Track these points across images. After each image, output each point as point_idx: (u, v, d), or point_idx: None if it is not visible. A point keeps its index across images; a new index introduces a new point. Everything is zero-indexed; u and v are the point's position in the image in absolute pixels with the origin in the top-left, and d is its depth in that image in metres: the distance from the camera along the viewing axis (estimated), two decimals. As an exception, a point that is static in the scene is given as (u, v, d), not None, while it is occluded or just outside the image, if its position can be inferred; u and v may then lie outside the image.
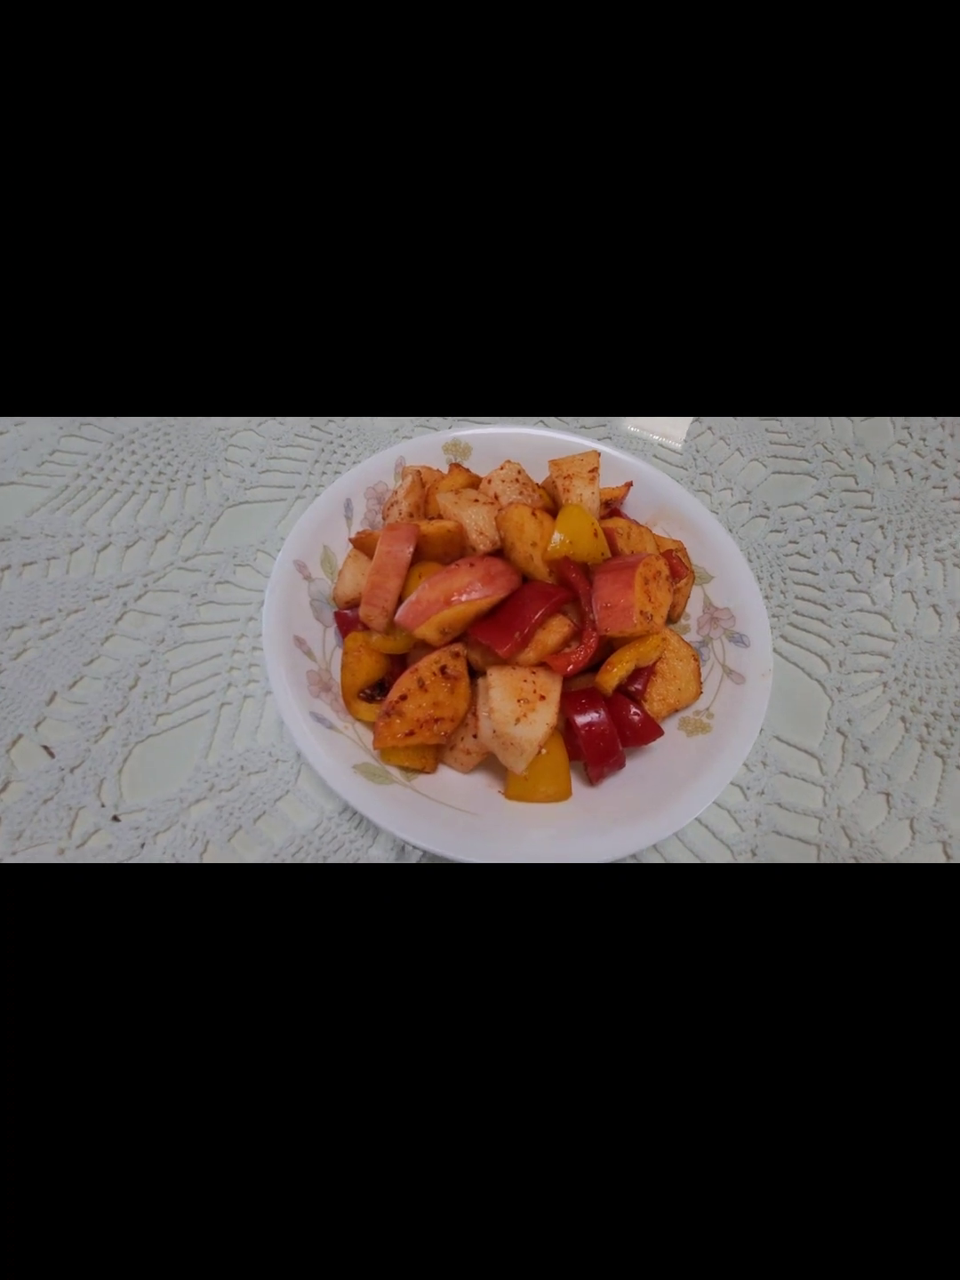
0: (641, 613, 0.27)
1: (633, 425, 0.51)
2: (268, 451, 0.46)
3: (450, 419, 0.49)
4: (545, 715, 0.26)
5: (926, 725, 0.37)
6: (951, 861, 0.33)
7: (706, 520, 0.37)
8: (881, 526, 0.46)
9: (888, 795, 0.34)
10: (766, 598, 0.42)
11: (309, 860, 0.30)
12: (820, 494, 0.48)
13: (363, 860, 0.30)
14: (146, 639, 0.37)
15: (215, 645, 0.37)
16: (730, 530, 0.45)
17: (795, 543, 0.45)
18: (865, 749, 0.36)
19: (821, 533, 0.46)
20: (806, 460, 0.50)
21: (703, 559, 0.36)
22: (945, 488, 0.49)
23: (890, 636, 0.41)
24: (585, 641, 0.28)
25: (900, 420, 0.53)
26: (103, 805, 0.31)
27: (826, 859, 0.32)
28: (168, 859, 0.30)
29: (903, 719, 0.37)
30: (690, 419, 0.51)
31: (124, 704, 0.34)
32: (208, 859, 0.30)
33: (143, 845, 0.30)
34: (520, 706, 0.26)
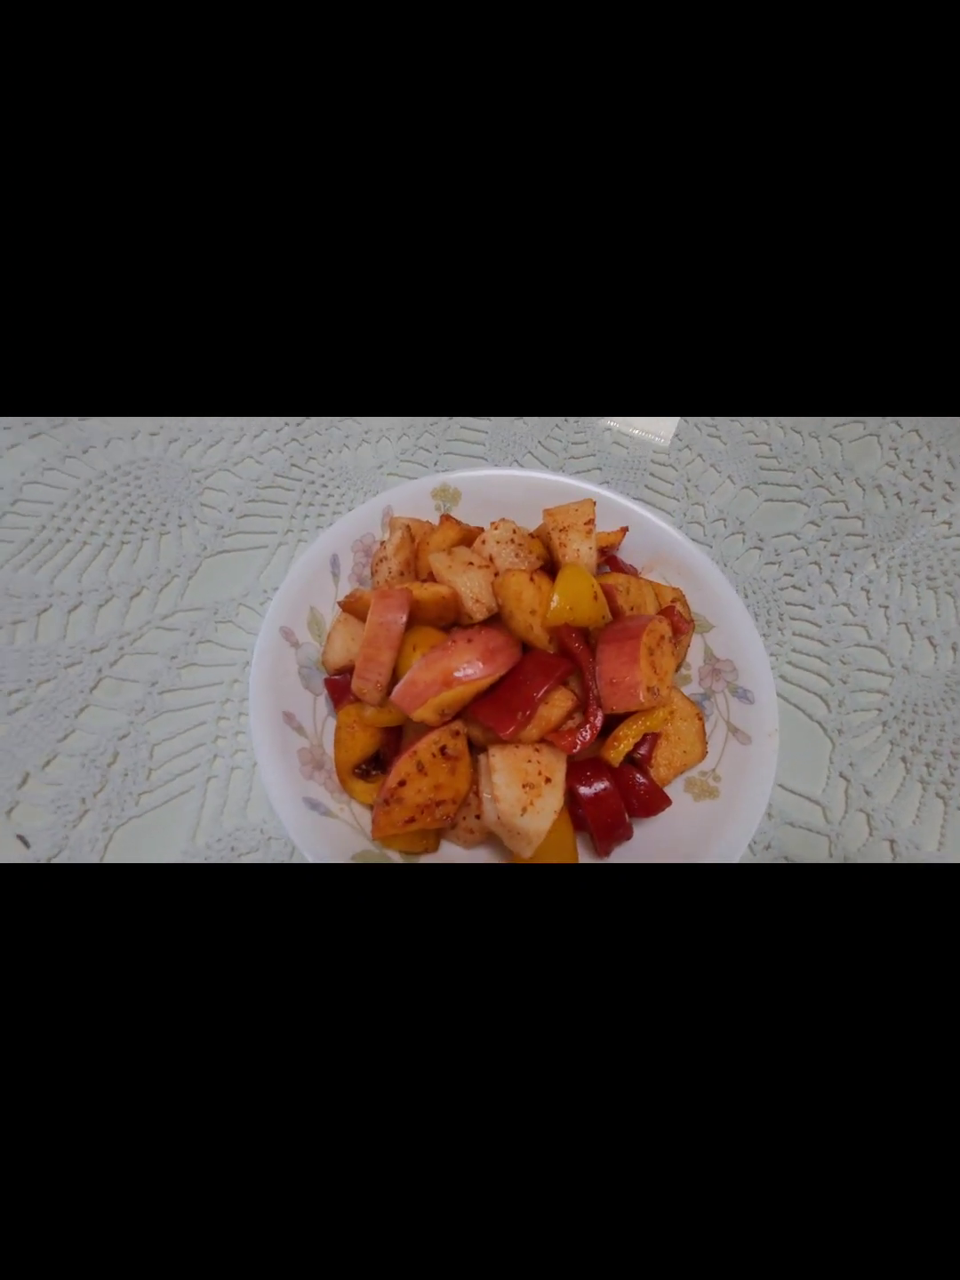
0: (648, 689, 0.26)
1: (613, 423, 0.50)
2: (246, 494, 0.44)
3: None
4: (552, 802, 0.25)
5: (927, 765, 0.37)
6: (957, 910, 0.32)
7: (704, 566, 0.36)
8: (874, 555, 0.46)
9: (892, 842, 0.34)
10: (765, 635, 0.41)
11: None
12: (812, 522, 0.47)
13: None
14: (124, 708, 0.35)
15: (199, 712, 0.35)
16: (726, 564, 0.45)
17: (790, 575, 0.44)
18: (868, 794, 0.36)
19: (815, 563, 0.45)
20: (797, 486, 0.49)
21: (702, 606, 0.35)
22: (935, 511, 0.49)
23: (887, 671, 0.40)
24: (590, 719, 0.27)
25: (887, 440, 0.53)
26: (85, 898, 0.30)
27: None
28: (157, 954, 0.29)
29: (903, 759, 0.37)
30: (674, 427, 0.51)
31: (102, 783, 0.32)
32: (200, 951, 0.29)
33: (130, 941, 0.29)
34: (526, 793, 0.25)
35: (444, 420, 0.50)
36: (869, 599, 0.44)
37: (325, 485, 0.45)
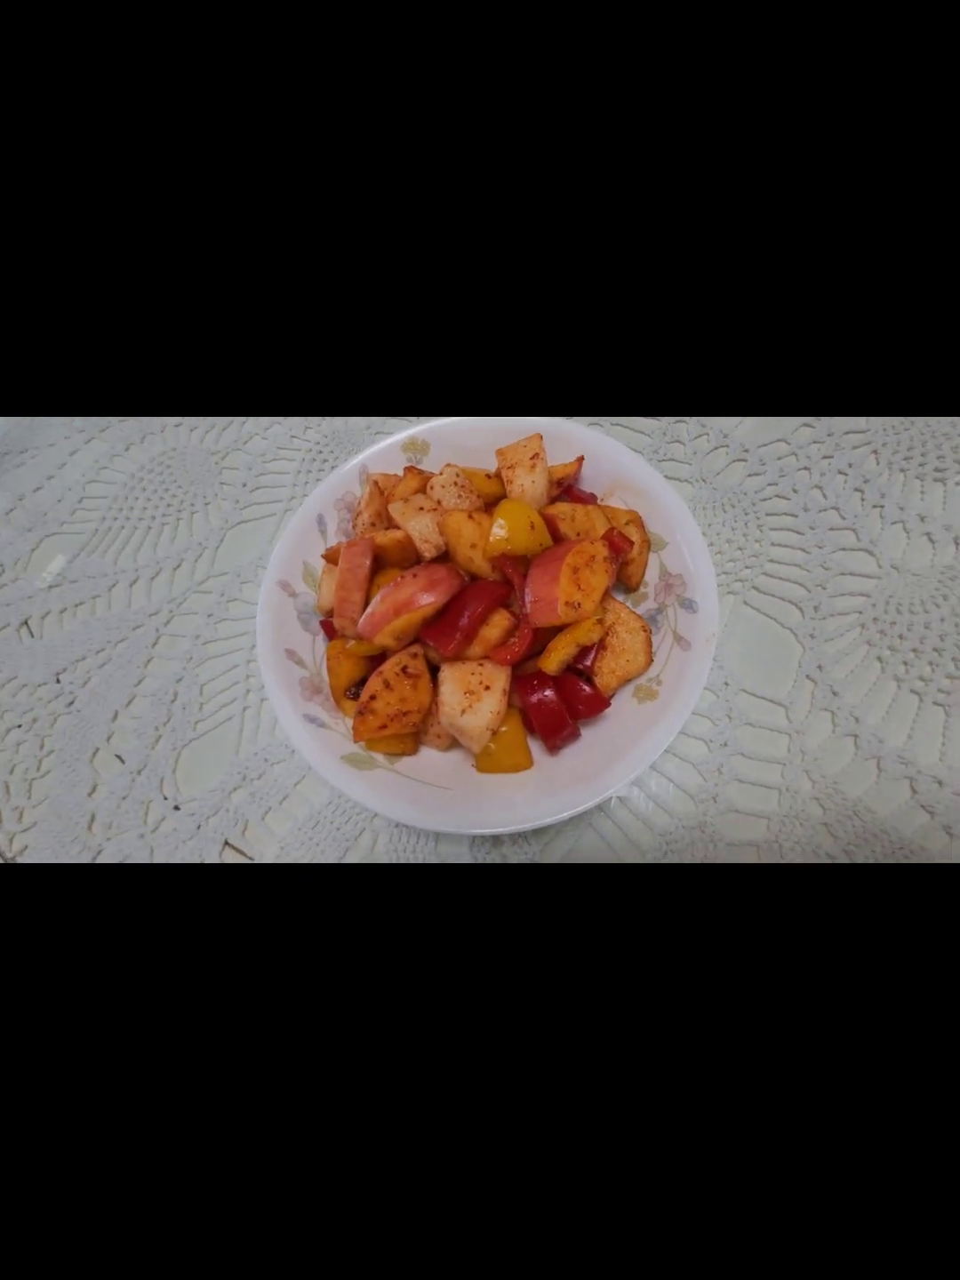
0: (567, 604, 0.29)
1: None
2: (255, 469, 0.50)
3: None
4: (490, 704, 0.30)
5: (905, 664, 0.37)
6: (917, 797, 0.34)
7: (659, 487, 0.37)
8: (875, 451, 0.43)
9: (855, 737, 0.35)
10: (741, 548, 0.42)
11: (325, 830, 0.37)
12: (807, 425, 0.45)
13: (368, 829, 0.36)
14: (177, 658, 0.43)
15: (233, 657, 0.43)
16: (706, 480, 0.44)
17: (775, 484, 0.43)
18: (835, 693, 0.36)
19: (805, 469, 0.44)
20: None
21: (657, 526, 0.37)
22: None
23: (873, 574, 0.39)
24: (520, 634, 0.30)
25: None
26: (165, 798, 0.39)
27: (787, 802, 0.34)
28: (218, 837, 0.38)
29: (879, 658, 0.37)
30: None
31: (168, 715, 0.41)
32: (248, 835, 0.38)
33: (199, 827, 0.38)
34: (467, 698, 0.30)
35: (425, 372, 0.52)
36: (864, 499, 0.42)
37: (320, 451, 0.50)
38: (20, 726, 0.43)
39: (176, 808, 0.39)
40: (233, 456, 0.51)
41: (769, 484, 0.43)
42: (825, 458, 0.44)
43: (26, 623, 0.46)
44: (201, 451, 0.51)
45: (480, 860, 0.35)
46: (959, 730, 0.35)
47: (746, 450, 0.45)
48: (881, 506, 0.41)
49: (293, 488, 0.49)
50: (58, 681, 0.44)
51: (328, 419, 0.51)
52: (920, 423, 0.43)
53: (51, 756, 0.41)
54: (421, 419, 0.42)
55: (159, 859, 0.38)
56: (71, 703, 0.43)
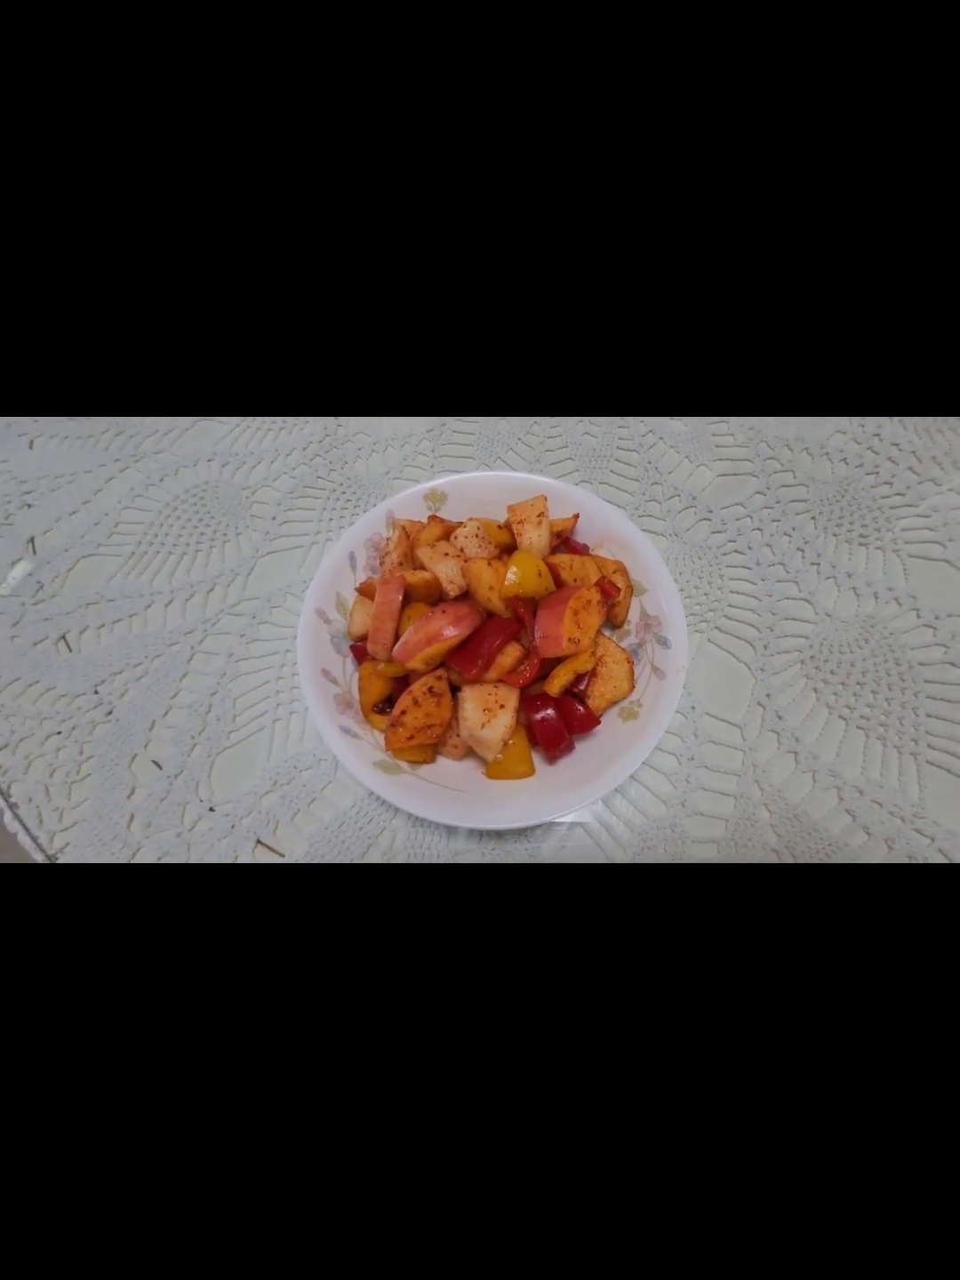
0: (570, 639, 0.36)
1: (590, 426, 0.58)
2: (284, 505, 0.56)
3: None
4: (504, 719, 0.36)
5: (835, 694, 0.45)
6: (843, 803, 0.41)
7: (640, 541, 0.44)
8: (813, 517, 0.53)
9: (795, 754, 0.43)
10: (706, 594, 0.50)
11: (349, 829, 0.42)
12: (759, 492, 0.54)
13: (388, 829, 0.42)
14: (212, 674, 0.48)
15: (263, 674, 0.48)
16: (677, 536, 0.53)
17: (733, 541, 0.52)
18: (780, 718, 0.44)
19: (758, 529, 0.52)
20: (749, 460, 0.56)
21: (639, 574, 0.44)
22: (877, 473, 0.54)
23: (811, 620, 0.48)
24: (530, 663, 0.37)
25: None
26: (201, 800, 0.43)
27: (741, 806, 0.41)
28: (251, 835, 0.42)
29: (815, 690, 0.45)
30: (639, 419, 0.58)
31: (204, 726, 0.46)
32: (279, 834, 0.42)
33: (233, 827, 0.42)
34: (485, 714, 0.36)
35: (437, 428, 0.59)
36: (804, 557, 0.51)
37: (343, 492, 0.56)
38: (60, 733, 0.46)
39: (211, 809, 0.43)
40: (262, 492, 0.56)
41: (728, 541, 0.52)
42: (773, 521, 0.53)
43: (63, 638, 0.50)
44: (233, 486, 0.57)
45: (486, 851, 0.40)
46: (876, 749, 0.43)
47: (711, 511, 0.53)
48: (818, 564, 0.50)
49: (319, 524, 0.55)
50: (96, 693, 0.48)
51: (350, 463, 0.58)
52: (849, 497, 0.53)
53: (91, 761, 0.45)
54: (441, 472, 0.49)
55: (196, 854, 0.42)
56: (110, 713, 0.47)
